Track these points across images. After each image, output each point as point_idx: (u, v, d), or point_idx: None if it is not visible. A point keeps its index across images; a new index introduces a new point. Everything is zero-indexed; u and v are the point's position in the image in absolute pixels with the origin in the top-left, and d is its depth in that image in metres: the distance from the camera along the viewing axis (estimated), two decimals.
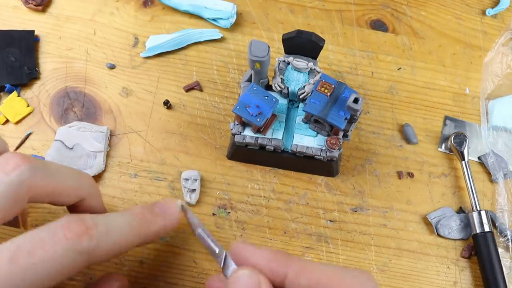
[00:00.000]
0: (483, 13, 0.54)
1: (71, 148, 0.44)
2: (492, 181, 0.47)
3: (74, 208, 0.36)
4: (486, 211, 0.44)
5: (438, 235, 0.44)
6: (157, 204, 0.37)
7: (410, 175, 0.47)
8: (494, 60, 0.51)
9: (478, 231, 0.43)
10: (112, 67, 0.48)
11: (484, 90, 0.50)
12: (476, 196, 0.44)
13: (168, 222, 0.36)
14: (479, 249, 0.43)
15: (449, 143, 0.47)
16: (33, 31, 0.48)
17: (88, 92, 0.47)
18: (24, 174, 0.30)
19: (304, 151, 0.41)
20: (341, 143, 0.40)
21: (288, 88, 0.42)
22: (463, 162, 0.46)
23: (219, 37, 0.50)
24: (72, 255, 0.29)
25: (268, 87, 0.44)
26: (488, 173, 0.47)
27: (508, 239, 0.44)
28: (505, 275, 0.42)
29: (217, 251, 0.34)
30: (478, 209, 0.44)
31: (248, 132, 0.42)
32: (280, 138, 0.42)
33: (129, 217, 0.34)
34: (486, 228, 0.43)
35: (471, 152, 0.47)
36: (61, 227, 0.29)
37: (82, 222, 0.30)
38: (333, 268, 0.30)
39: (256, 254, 0.31)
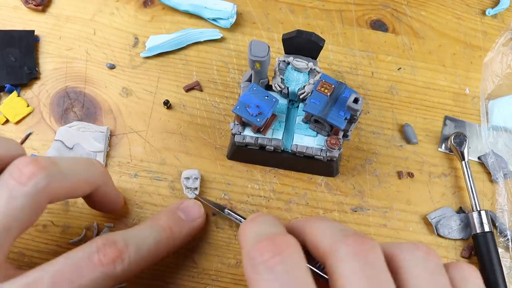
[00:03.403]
0: (483, 13, 0.54)
1: (71, 148, 0.44)
2: (492, 181, 0.47)
3: (89, 197, 0.37)
4: (486, 211, 0.44)
5: (438, 235, 0.44)
6: (182, 209, 0.39)
7: (410, 175, 0.47)
8: (494, 60, 0.51)
9: (478, 231, 0.43)
10: (112, 67, 0.48)
11: (484, 90, 0.50)
12: (476, 196, 0.44)
13: (193, 230, 0.38)
14: (479, 249, 0.43)
15: (449, 143, 0.47)
16: (33, 31, 0.48)
17: (88, 92, 0.47)
18: (41, 183, 0.30)
19: (304, 151, 0.41)
20: (341, 143, 0.40)
21: (288, 88, 0.42)
22: (463, 162, 0.46)
23: (219, 37, 0.50)
24: (106, 280, 0.30)
25: (268, 87, 0.44)
26: (488, 173, 0.47)
27: (508, 239, 0.44)
28: (505, 275, 0.42)
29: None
30: (478, 209, 0.44)
31: (248, 132, 0.42)
32: (280, 138, 0.42)
33: (156, 234, 0.35)
34: (486, 228, 0.43)
35: (471, 152, 0.47)
36: (97, 251, 0.31)
37: (115, 245, 0.31)
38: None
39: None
